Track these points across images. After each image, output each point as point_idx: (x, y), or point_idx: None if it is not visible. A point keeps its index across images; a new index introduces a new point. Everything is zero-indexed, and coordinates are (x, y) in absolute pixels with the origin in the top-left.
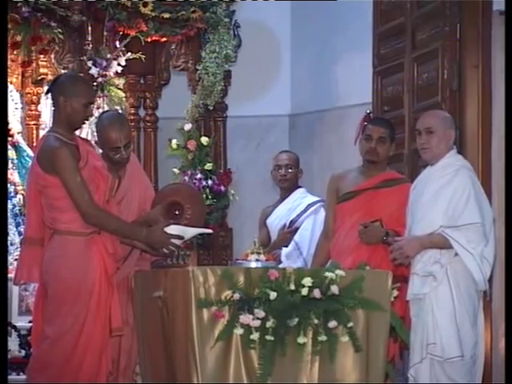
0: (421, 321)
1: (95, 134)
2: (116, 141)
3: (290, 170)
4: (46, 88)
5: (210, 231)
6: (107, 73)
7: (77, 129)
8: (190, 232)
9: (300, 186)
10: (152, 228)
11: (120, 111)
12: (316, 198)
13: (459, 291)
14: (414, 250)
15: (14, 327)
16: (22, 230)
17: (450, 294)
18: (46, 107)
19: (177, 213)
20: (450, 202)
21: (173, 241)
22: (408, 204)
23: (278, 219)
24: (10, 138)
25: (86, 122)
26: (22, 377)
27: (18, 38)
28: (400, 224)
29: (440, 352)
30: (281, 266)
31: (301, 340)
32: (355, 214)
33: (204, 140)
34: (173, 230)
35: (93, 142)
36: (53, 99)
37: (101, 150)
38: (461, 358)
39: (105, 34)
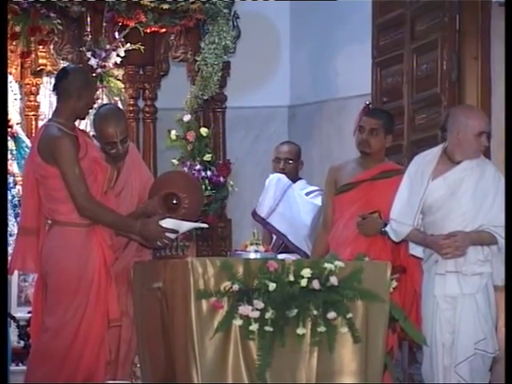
0: (464, 317)
1: (94, 129)
2: (112, 136)
3: (289, 163)
4: (45, 79)
5: (205, 225)
6: (106, 64)
7: (83, 119)
8: (184, 226)
9: (300, 178)
10: (146, 221)
11: (119, 102)
12: (315, 188)
13: (491, 287)
14: (467, 246)
15: (13, 318)
16: None
17: (487, 290)
18: (44, 98)
19: (174, 202)
20: (494, 200)
21: (167, 234)
22: (421, 193)
23: None
24: (9, 129)
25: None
26: (22, 367)
27: (17, 29)
28: None
29: (487, 347)
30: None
31: (300, 331)
32: (353, 206)
33: (203, 131)
34: (168, 223)
35: (91, 134)
36: (61, 92)
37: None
38: (499, 351)
39: (104, 24)
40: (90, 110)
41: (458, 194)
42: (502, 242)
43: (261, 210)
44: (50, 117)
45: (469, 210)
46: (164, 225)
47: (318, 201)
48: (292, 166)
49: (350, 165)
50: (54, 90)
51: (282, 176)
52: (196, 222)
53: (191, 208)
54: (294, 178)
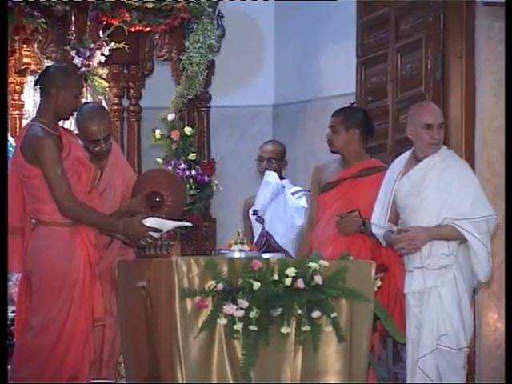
0: (428, 312)
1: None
2: (95, 133)
3: (272, 163)
4: (29, 78)
5: (189, 224)
6: (90, 63)
7: (66, 119)
8: (168, 225)
9: (284, 178)
10: (129, 220)
11: (103, 101)
12: (299, 188)
13: (462, 282)
14: (423, 241)
15: None
16: None
17: (455, 285)
18: (29, 97)
19: (157, 200)
20: (458, 194)
21: (150, 233)
22: (389, 195)
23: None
24: None
25: (75, 112)
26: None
27: None
28: None
29: (451, 343)
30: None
31: (284, 330)
32: (335, 204)
33: (187, 130)
34: (151, 222)
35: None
36: (42, 90)
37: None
38: (467, 348)
39: (88, 23)
40: (74, 111)
41: (420, 189)
42: (466, 234)
43: (258, 209)
44: (34, 116)
45: (431, 205)
46: (147, 224)
47: (303, 202)
48: (275, 166)
49: (333, 164)
50: (34, 86)
51: (276, 176)
52: (180, 220)
53: (174, 206)
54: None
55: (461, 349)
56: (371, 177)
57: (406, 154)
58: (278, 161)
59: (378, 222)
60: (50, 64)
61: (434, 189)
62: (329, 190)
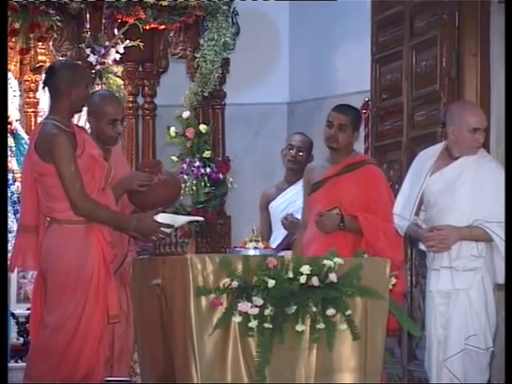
0: (456, 312)
1: (90, 112)
2: (116, 113)
3: (300, 153)
4: (44, 75)
5: (201, 218)
6: (105, 60)
7: (79, 112)
8: (180, 220)
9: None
10: (142, 216)
11: None
12: None
13: (489, 282)
14: (454, 241)
15: (13, 314)
16: None
17: (482, 286)
18: (44, 94)
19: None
20: (490, 197)
21: (163, 229)
22: (418, 188)
23: (285, 203)
24: (8, 126)
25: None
26: (21, 364)
27: (17, 26)
28: (365, 208)
29: (479, 343)
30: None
31: (299, 328)
32: (320, 203)
33: (202, 128)
34: (163, 218)
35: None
36: (53, 89)
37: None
38: (493, 347)
39: (103, 21)
40: (85, 102)
41: (453, 189)
42: (495, 238)
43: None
44: (46, 114)
45: (463, 205)
46: (159, 220)
47: None
48: (303, 157)
49: (320, 163)
50: (43, 88)
51: None
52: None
53: (164, 185)
54: (302, 170)
55: (488, 348)
56: (354, 172)
57: (436, 149)
58: (305, 152)
59: (401, 213)
60: (52, 62)
61: (467, 189)
62: (316, 190)
